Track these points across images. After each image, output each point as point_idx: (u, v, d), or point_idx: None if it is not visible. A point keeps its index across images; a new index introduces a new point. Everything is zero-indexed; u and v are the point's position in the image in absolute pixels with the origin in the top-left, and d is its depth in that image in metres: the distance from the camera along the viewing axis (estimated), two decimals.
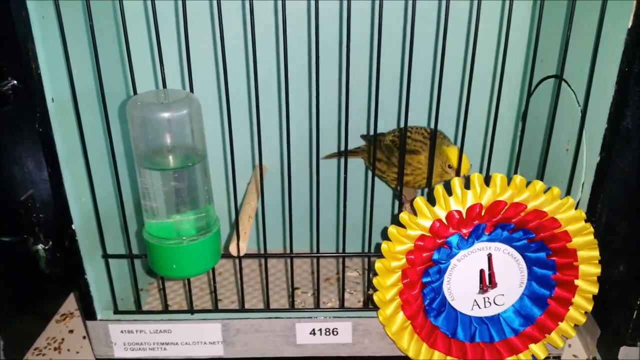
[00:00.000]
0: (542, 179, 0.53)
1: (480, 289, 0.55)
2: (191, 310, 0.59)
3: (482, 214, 0.51)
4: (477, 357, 0.56)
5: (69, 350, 0.63)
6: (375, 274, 0.54)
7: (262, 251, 0.57)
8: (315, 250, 0.57)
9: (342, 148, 0.71)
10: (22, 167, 0.61)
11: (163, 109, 0.46)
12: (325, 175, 0.68)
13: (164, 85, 0.50)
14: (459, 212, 0.51)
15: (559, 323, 0.55)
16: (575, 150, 0.53)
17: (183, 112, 0.47)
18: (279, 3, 0.62)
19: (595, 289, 0.54)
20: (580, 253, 0.53)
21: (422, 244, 0.52)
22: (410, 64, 0.49)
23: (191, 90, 0.50)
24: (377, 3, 0.49)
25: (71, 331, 0.66)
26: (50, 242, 0.64)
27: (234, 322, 0.58)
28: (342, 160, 0.70)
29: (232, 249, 0.55)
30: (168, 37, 0.64)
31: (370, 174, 0.70)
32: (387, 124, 0.68)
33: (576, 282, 0.54)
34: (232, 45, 0.63)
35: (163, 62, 0.49)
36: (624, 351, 0.57)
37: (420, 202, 0.51)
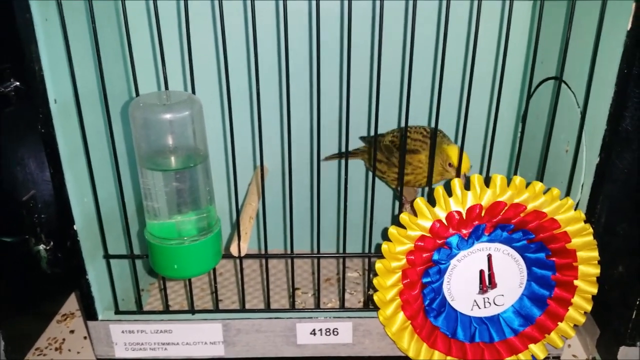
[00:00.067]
0: (541, 180, 0.53)
1: (480, 289, 0.55)
2: (192, 311, 0.59)
3: (482, 214, 0.51)
4: (477, 357, 0.56)
5: (69, 350, 0.63)
6: (376, 275, 0.54)
7: (262, 251, 0.58)
8: (315, 250, 0.57)
9: (343, 149, 0.71)
10: (24, 167, 0.61)
11: (165, 110, 0.47)
12: (325, 176, 0.68)
13: (166, 87, 0.50)
14: (459, 212, 0.51)
15: (559, 323, 0.56)
16: (575, 151, 0.53)
17: (185, 113, 0.47)
18: (280, 4, 0.63)
19: (594, 290, 0.54)
20: (579, 254, 0.53)
21: (422, 244, 0.52)
22: (410, 64, 0.49)
23: (193, 91, 0.50)
24: (377, 3, 0.50)
25: (72, 331, 0.66)
26: (52, 243, 0.64)
27: (234, 322, 0.58)
28: (343, 161, 0.70)
29: (233, 250, 0.55)
30: (170, 38, 0.64)
31: (370, 174, 0.70)
32: (387, 124, 0.69)
33: (576, 282, 0.54)
34: (234, 46, 0.64)
35: (165, 63, 0.49)
36: (624, 351, 0.57)
37: (420, 202, 0.51)
